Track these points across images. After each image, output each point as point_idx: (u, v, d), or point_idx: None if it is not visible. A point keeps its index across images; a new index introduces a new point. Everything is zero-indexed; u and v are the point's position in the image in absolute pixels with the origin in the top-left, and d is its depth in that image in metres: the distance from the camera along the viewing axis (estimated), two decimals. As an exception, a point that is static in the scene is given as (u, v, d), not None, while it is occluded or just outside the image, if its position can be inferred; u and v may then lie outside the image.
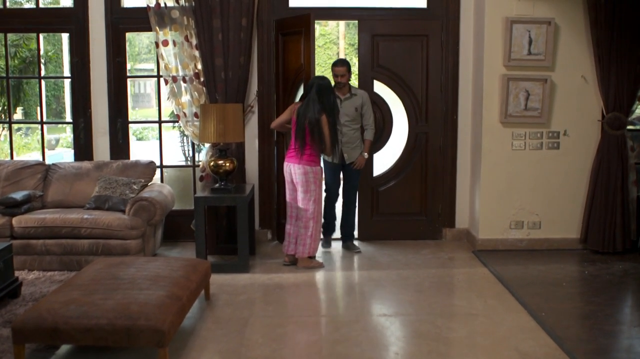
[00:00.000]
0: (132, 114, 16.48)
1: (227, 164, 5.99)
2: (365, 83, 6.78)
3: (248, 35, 6.45)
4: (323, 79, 5.93)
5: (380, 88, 6.83)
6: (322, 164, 6.04)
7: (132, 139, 7.23)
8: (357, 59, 6.82)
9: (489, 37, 6.30)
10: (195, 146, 7.02)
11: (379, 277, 5.73)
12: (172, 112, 7.17)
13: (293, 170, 5.91)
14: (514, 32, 6.24)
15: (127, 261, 4.78)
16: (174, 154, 8.09)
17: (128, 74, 6.94)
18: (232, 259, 6.21)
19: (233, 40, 6.42)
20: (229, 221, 6.56)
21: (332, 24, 19.49)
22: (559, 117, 6.42)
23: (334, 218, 6.68)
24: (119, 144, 6.87)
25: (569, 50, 6.33)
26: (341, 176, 6.52)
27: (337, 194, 6.59)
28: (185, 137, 7.73)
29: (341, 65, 6.22)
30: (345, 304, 5.19)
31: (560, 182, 6.49)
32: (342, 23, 19.67)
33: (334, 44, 19.94)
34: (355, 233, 6.77)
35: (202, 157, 7.25)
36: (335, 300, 5.30)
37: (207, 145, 6.59)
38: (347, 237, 6.63)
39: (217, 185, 6.05)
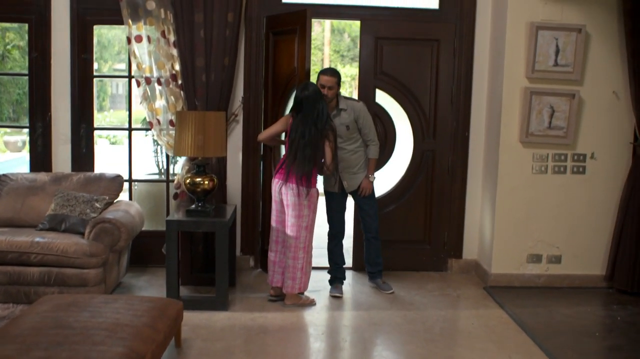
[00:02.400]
0: (107, 116, 15.57)
1: (206, 182, 5.13)
2: (367, 92, 5.97)
3: (234, 32, 5.60)
4: (307, 88, 5.04)
5: (383, 98, 6.02)
6: (317, 187, 5.17)
7: (103, 144, 6.31)
8: (358, 64, 5.99)
9: (511, 44, 5.51)
10: (171, 157, 6.15)
11: (381, 319, 4.90)
12: (145, 118, 6.32)
13: (284, 189, 5.05)
14: (540, 39, 5.46)
15: (81, 301, 3.90)
16: (150, 164, 7.16)
17: (95, 74, 6.04)
18: (208, 291, 5.35)
19: (217, 38, 5.57)
20: (206, 246, 5.70)
21: (317, 28, 18.69)
22: (587, 138, 5.65)
23: (343, 261, 5.58)
24: (82, 154, 5.97)
25: (600, 63, 5.57)
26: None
27: (343, 230, 5.55)
28: (159, 147, 6.82)
29: (330, 75, 5.17)
30: (343, 358, 4.35)
31: (584, 212, 5.72)
32: (327, 28, 18.93)
33: (318, 50, 19.14)
34: (348, 265, 5.93)
35: (177, 170, 6.39)
36: (331, 352, 4.43)
37: (183, 157, 5.73)
38: (372, 275, 5.63)
39: (194, 206, 5.18)
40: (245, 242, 6.09)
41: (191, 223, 5.02)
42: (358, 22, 6.03)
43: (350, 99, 5.40)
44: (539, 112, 5.54)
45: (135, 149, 6.15)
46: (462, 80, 5.99)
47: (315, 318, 4.95)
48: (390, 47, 5.96)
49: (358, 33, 6.07)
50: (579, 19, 5.46)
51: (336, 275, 5.54)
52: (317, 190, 5.12)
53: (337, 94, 5.27)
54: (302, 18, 5.32)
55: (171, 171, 6.27)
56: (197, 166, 5.17)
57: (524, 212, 5.68)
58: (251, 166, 5.99)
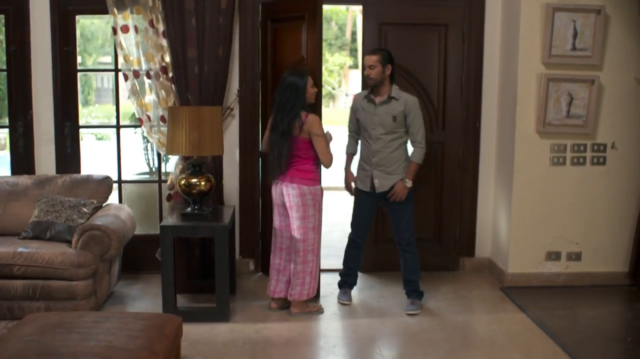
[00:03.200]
0: (92, 111, 15.05)
1: (202, 184, 4.74)
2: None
3: (228, 20, 5.20)
4: (292, 72, 4.63)
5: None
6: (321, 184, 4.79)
7: (90, 140, 5.88)
8: (361, 52, 5.58)
9: (526, 27, 5.13)
10: (162, 156, 5.75)
11: (396, 328, 4.54)
12: (133, 114, 5.92)
13: (285, 191, 4.66)
14: (556, 21, 5.09)
15: (69, 321, 3.49)
16: (139, 162, 6.74)
17: (79, 67, 5.62)
18: (207, 299, 4.97)
19: (210, 26, 5.17)
20: (203, 250, 5.32)
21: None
22: (607, 127, 5.29)
23: (357, 265, 5.12)
24: (67, 154, 5.55)
25: (621, 46, 5.21)
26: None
27: (364, 237, 5.05)
28: (149, 144, 6.42)
29: (371, 52, 4.74)
30: (358, 371, 4.00)
31: (605, 205, 5.38)
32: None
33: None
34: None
35: (170, 169, 6.00)
36: (344, 364, 4.09)
37: (176, 156, 5.33)
38: (408, 293, 4.97)
39: (189, 209, 4.79)
40: (244, 245, 5.71)
41: (187, 228, 4.63)
42: (345, 10, 5.63)
43: (402, 91, 4.78)
44: (557, 100, 5.17)
45: (124, 147, 5.73)
46: (472, 67, 5.61)
47: (325, 328, 4.59)
48: (395, 34, 5.57)
49: (345, 21, 5.68)
50: (598, -1, 5.10)
51: (346, 280, 5.14)
52: (321, 188, 4.74)
53: (390, 79, 4.72)
54: (311, 4, 4.89)
55: (163, 170, 5.87)
56: (192, 166, 4.77)
57: (542, 206, 5.33)
58: (249, 163, 5.60)
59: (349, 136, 5.05)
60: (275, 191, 4.75)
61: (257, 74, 5.51)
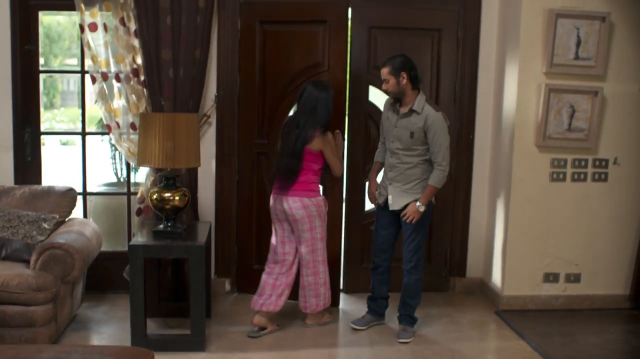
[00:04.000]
0: (57, 115, 14.42)
1: (177, 198, 4.31)
2: (358, 89, 5.20)
3: (207, 20, 4.79)
4: (317, 84, 4.47)
5: (377, 96, 5.23)
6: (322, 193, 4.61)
7: (53, 145, 5.39)
8: (349, 57, 5.19)
9: (527, 34, 4.81)
10: (132, 165, 5.29)
11: (390, 358, 4.15)
12: (100, 120, 5.47)
13: (287, 205, 4.42)
14: (559, 29, 4.77)
15: (24, 357, 3.05)
16: (106, 171, 6.25)
17: (41, 68, 5.14)
18: (179, 324, 4.52)
19: (186, 26, 4.75)
20: (176, 269, 4.88)
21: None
22: (609, 141, 4.99)
23: (380, 291, 4.67)
24: (27, 163, 5.07)
25: (626, 56, 4.91)
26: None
27: (383, 256, 4.59)
28: (117, 152, 5.95)
29: (382, 66, 4.34)
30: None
31: (605, 224, 5.07)
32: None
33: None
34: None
35: (140, 179, 5.55)
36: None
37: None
38: (400, 319, 4.58)
39: (162, 226, 4.35)
40: (220, 263, 5.28)
41: (160, 248, 4.19)
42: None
43: (432, 105, 4.34)
44: (558, 112, 4.85)
45: (89, 154, 5.24)
46: (466, 75, 5.27)
47: (308, 356, 4.17)
48: (386, 38, 5.20)
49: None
50: (603, 6, 4.78)
51: (370, 306, 4.74)
52: (324, 197, 4.56)
53: (414, 86, 4.30)
54: (336, 8, 4.74)
55: (133, 181, 5.42)
56: (166, 179, 4.34)
57: (540, 225, 5.00)
58: (226, 175, 5.18)
59: (380, 142, 4.68)
60: (274, 206, 4.51)
61: (237, 79, 5.09)
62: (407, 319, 4.53)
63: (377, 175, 4.67)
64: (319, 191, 4.51)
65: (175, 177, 4.37)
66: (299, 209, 4.39)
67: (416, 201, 4.30)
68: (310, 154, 4.38)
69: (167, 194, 4.29)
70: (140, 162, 4.30)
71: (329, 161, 4.43)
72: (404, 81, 4.27)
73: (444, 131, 4.26)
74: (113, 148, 5.93)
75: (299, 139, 4.34)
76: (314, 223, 4.46)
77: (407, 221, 4.32)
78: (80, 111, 5.41)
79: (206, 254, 4.44)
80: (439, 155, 4.25)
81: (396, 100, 4.40)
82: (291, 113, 4.72)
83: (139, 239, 4.27)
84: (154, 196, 4.31)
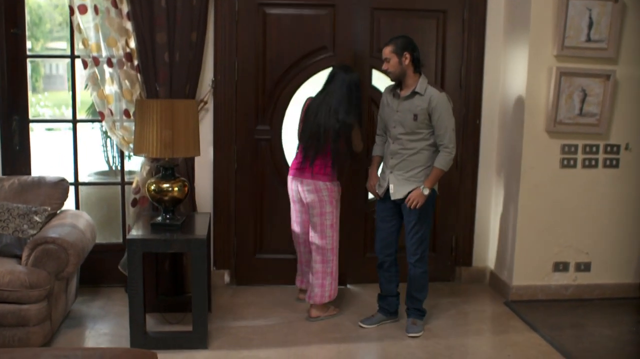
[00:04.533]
0: (41, 100, 14.04)
1: (176, 189, 4.10)
2: (361, 73, 4.98)
3: (203, 1, 4.56)
4: (348, 69, 4.40)
5: (380, 80, 5.02)
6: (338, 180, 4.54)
7: (39, 131, 5.14)
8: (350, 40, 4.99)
9: (537, 15, 4.63)
10: (125, 153, 5.07)
11: (397, 354, 3.99)
12: (91, 105, 5.23)
13: (300, 187, 4.45)
14: (571, 10, 4.59)
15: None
16: (97, 159, 6.00)
17: (29, 53, 4.89)
18: (179, 319, 4.33)
19: (182, 7, 4.53)
20: (174, 263, 4.68)
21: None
22: (621, 127, 4.84)
23: (388, 289, 4.46)
24: (15, 153, 4.83)
25: (639, 38, 4.74)
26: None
27: (388, 253, 4.40)
28: (108, 140, 5.72)
29: (385, 45, 4.16)
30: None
31: (616, 211, 4.93)
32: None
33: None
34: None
35: (132, 167, 5.33)
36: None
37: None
38: (408, 312, 4.42)
39: (160, 218, 4.15)
40: (219, 255, 5.09)
41: (159, 242, 3.98)
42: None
43: (435, 86, 4.17)
44: (569, 96, 4.69)
45: (79, 140, 4.99)
46: (472, 58, 5.09)
47: (315, 353, 4.01)
48: (389, 21, 5.00)
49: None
50: (616, -14, 4.62)
51: (380, 304, 4.54)
52: (339, 184, 4.50)
53: (415, 69, 4.12)
54: None
55: (127, 169, 5.19)
56: (164, 169, 4.13)
57: (550, 213, 4.85)
58: (224, 163, 4.98)
59: (377, 135, 4.47)
60: (290, 187, 4.56)
61: (235, 62, 4.88)
62: (416, 312, 4.37)
63: (377, 169, 4.47)
64: (334, 176, 4.42)
65: (174, 167, 4.16)
66: (311, 193, 4.36)
67: (419, 186, 4.12)
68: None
69: (166, 185, 4.09)
70: (137, 152, 4.08)
71: (355, 138, 4.40)
72: (407, 62, 4.09)
73: (448, 112, 4.09)
74: (104, 135, 5.69)
75: (338, 123, 4.26)
76: (324, 209, 4.39)
77: (412, 206, 4.11)
78: (68, 96, 5.16)
79: (207, 247, 4.26)
80: (445, 137, 4.07)
81: (396, 85, 4.22)
82: (312, 95, 4.53)
83: (137, 232, 4.06)
84: (152, 187, 4.10)
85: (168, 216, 4.14)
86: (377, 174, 4.45)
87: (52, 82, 14.93)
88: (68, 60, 4.93)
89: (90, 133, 6.08)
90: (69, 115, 5.16)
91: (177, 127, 3.95)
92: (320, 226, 4.42)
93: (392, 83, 4.33)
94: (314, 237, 4.46)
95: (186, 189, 4.15)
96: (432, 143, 4.13)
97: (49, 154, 6.44)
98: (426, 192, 4.10)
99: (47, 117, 10.21)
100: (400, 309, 4.51)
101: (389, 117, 4.24)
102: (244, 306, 4.71)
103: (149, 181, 4.16)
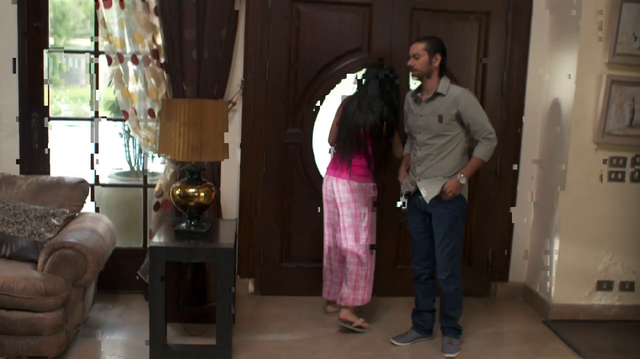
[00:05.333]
0: (59, 96, 13.82)
1: (202, 195, 3.87)
2: (399, 77, 4.74)
3: (234, -4, 4.35)
4: (381, 65, 4.28)
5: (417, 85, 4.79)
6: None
7: (59, 127, 4.91)
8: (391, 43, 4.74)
9: (588, 20, 4.36)
10: (149, 154, 4.85)
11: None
12: (113, 103, 5.02)
13: (336, 186, 4.30)
14: (624, 14, 4.32)
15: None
16: (117, 158, 5.73)
17: (50, 47, 4.69)
18: (200, 330, 4.10)
19: (212, 3, 4.30)
20: (196, 270, 4.46)
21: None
22: (673, 138, 4.55)
23: (424, 303, 4.21)
24: (34, 151, 4.62)
25: (694, 45, 4.47)
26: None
27: (423, 263, 4.14)
28: (131, 139, 5.51)
29: (417, 40, 3.95)
30: None
31: (664, 228, 4.65)
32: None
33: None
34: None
35: (154, 168, 5.12)
36: None
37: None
38: (443, 330, 4.16)
39: (184, 224, 3.92)
40: (244, 263, 4.85)
41: (183, 251, 3.75)
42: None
43: (456, 85, 3.96)
44: (619, 106, 4.42)
45: (101, 138, 4.74)
46: (515, 64, 4.82)
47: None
48: (429, 21, 4.74)
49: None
50: (672, -11, 4.34)
51: (414, 320, 4.28)
52: (375, 186, 4.34)
53: (440, 72, 3.91)
54: None
55: (149, 170, 4.96)
56: (190, 172, 3.90)
57: (594, 228, 4.58)
58: (252, 167, 4.75)
59: (409, 136, 4.23)
60: (325, 186, 4.41)
61: (266, 62, 4.64)
62: (451, 330, 4.11)
63: (407, 165, 4.23)
64: (369, 176, 4.28)
65: (200, 172, 3.93)
66: (345, 193, 4.24)
67: (455, 175, 3.89)
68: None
69: (192, 190, 3.86)
70: (162, 152, 3.85)
71: (395, 140, 4.29)
72: (437, 63, 3.88)
73: (477, 106, 3.90)
74: (126, 135, 5.48)
75: (374, 118, 4.16)
76: (359, 209, 4.25)
77: (448, 197, 3.86)
78: (83, 90, 4.94)
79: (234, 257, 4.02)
80: (484, 130, 3.85)
81: (417, 89, 4.01)
82: (350, 93, 4.39)
83: (160, 239, 3.83)
84: (177, 192, 3.87)
85: (193, 223, 3.91)
86: (405, 172, 4.21)
87: (73, 78, 14.76)
88: (89, 55, 4.68)
89: (112, 130, 5.84)
90: (88, 112, 4.93)
91: (206, 129, 3.72)
92: (355, 227, 4.26)
93: (413, 89, 4.14)
94: (348, 239, 4.29)
95: (213, 194, 3.92)
96: (461, 145, 3.91)
97: (68, 152, 6.22)
98: (463, 181, 3.87)
99: (67, 114, 10.06)
100: (435, 327, 4.25)
101: (413, 123, 4.01)
102: (269, 318, 4.47)
103: (173, 185, 3.93)
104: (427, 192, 3.93)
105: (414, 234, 4.14)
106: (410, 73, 3.98)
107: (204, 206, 3.90)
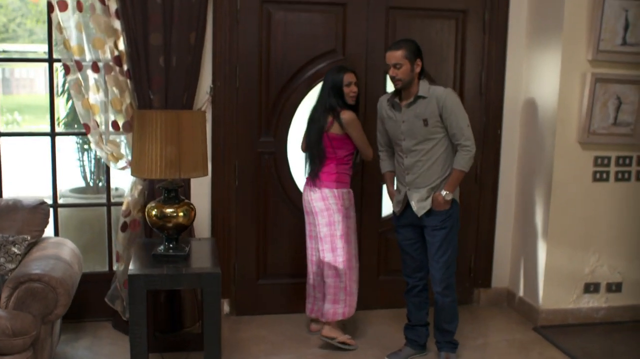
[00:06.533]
0: (6, 102, 12.96)
1: (180, 215, 3.54)
2: (376, 78, 4.54)
3: (203, -3, 4.03)
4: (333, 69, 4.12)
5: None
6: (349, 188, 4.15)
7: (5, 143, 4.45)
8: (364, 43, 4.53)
9: (570, 17, 4.25)
10: (106, 168, 4.45)
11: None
12: (67, 116, 4.67)
13: (310, 196, 4.10)
14: (607, 10, 4.23)
15: None
16: (71, 173, 5.27)
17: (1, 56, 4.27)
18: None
19: (180, 4, 3.98)
20: (169, 297, 4.13)
21: None
22: (655, 136, 4.50)
23: (417, 317, 4.00)
24: (-17, 171, 4.20)
25: (675, 41, 4.42)
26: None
27: (414, 275, 3.94)
28: (84, 153, 5.10)
29: (393, 48, 3.66)
30: None
31: (649, 227, 4.60)
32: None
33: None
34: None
35: (117, 185, 4.75)
36: None
37: (125, 170, 4.11)
38: (439, 345, 4.00)
39: (162, 248, 3.59)
40: (218, 283, 4.54)
41: (166, 278, 3.40)
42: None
43: (436, 85, 3.80)
44: (604, 104, 4.33)
45: (49, 153, 4.34)
46: (493, 63, 4.68)
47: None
48: (405, 20, 4.54)
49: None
50: (654, -15, 4.28)
51: (406, 335, 4.06)
52: (349, 191, 4.11)
53: (420, 76, 3.67)
54: None
55: (112, 187, 4.57)
56: (167, 191, 3.57)
57: (581, 230, 4.49)
58: (224, 179, 4.44)
59: (380, 152, 3.99)
60: (303, 197, 4.20)
61: (236, 67, 4.35)
62: (448, 345, 3.93)
63: (393, 184, 4.00)
64: (344, 182, 4.07)
65: (178, 189, 3.61)
66: (318, 201, 4.04)
67: (439, 192, 3.68)
68: (335, 139, 3.98)
69: (169, 210, 3.53)
70: (136, 173, 3.52)
71: (356, 143, 4.01)
72: (418, 69, 3.65)
73: (459, 107, 3.66)
74: (80, 148, 5.07)
75: (317, 126, 4.01)
76: (332, 218, 4.02)
77: (437, 207, 3.68)
78: (32, 98, 4.53)
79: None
80: (462, 135, 3.62)
81: (394, 95, 3.77)
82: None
83: (137, 265, 3.49)
84: (153, 212, 3.53)
85: (171, 245, 3.59)
86: (393, 191, 3.99)
87: (5, 84, 13.92)
88: (46, 64, 4.27)
89: (63, 145, 5.39)
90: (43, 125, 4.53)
91: (185, 143, 3.40)
92: (330, 236, 4.03)
93: (385, 94, 3.93)
94: (325, 250, 4.07)
95: (192, 214, 3.61)
96: (450, 147, 3.71)
97: (17, 168, 5.70)
98: (449, 197, 3.66)
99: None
100: (429, 342, 4.06)
101: (395, 130, 3.76)
102: (251, 341, 4.19)
103: (149, 205, 3.59)
104: (418, 208, 3.72)
105: (406, 247, 3.92)
106: (393, 84, 3.69)
107: (183, 226, 3.58)
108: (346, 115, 3.93)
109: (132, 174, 3.60)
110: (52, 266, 3.45)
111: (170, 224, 3.54)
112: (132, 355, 3.35)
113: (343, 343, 4.07)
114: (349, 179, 4.10)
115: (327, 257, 4.06)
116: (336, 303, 4.07)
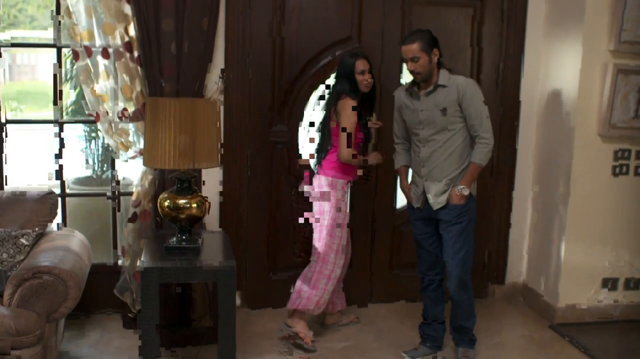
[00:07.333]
0: (7, 89, 12.75)
1: (194, 206, 3.44)
2: (391, 68, 4.42)
3: (216, -18, 3.91)
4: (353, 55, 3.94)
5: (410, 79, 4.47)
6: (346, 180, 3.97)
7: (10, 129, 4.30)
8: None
9: (592, 6, 4.14)
10: (113, 158, 4.33)
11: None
12: (73, 103, 4.55)
13: (313, 184, 4.01)
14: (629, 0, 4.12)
15: None
16: (77, 162, 5.12)
17: (2, 42, 4.14)
18: (193, 355, 3.70)
19: (193, -11, 3.86)
20: (182, 290, 4.03)
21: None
22: (677, 129, 4.40)
23: (433, 313, 3.89)
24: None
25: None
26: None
27: (429, 271, 3.83)
28: (92, 141, 4.98)
29: (409, 42, 3.51)
30: None
31: (668, 222, 4.50)
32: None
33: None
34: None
35: (125, 176, 4.64)
36: None
37: (135, 159, 4.00)
38: (456, 341, 3.90)
39: (175, 240, 3.49)
40: (228, 276, 4.44)
41: (180, 272, 3.31)
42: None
43: (455, 75, 3.65)
44: (625, 96, 4.22)
45: (48, 142, 4.22)
46: (511, 53, 4.57)
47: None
48: (421, 9, 4.42)
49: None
50: (678, -27, 4.16)
51: (422, 332, 3.95)
52: (345, 182, 3.93)
53: (438, 66, 3.56)
54: None
55: (118, 177, 4.45)
56: (179, 181, 3.46)
57: (600, 225, 4.39)
58: (235, 169, 4.33)
59: (396, 144, 3.88)
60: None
61: (248, 55, 4.23)
62: (467, 342, 3.84)
63: (407, 178, 3.89)
64: (344, 174, 3.89)
65: (191, 180, 3.50)
66: (316, 188, 3.93)
67: (455, 186, 3.58)
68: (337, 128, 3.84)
69: (183, 201, 3.43)
70: (149, 162, 3.41)
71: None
72: (436, 59, 3.53)
73: (479, 98, 3.55)
74: (87, 137, 4.94)
75: (325, 114, 3.93)
76: (323, 206, 3.91)
77: (454, 201, 3.58)
78: (37, 84, 4.40)
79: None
80: (480, 127, 3.52)
81: (412, 84, 3.66)
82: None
83: (150, 258, 3.38)
84: (166, 203, 3.43)
85: (184, 238, 3.48)
86: (408, 185, 3.88)
87: (23, 71, 13.65)
88: (54, 50, 4.14)
89: (68, 133, 5.26)
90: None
91: (199, 132, 3.30)
92: (319, 226, 3.93)
93: (405, 84, 3.82)
94: (314, 238, 3.99)
95: (206, 205, 3.50)
96: (467, 139, 3.59)
97: (22, 157, 5.57)
98: (465, 192, 3.56)
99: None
100: (445, 337, 3.97)
101: (412, 119, 3.66)
102: (265, 335, 4.09)
103: (161, 196, 3.49)
104: (434, 201, 3.62)
105: (422, 240, 3.82)
106: (414, 77, 3.58)
107: (196, 218, 3.49)
108: (342, 101, 3.78)
109: (144, 164, 3.51)
110: (62, 258, 3.35)
111: (183, 216, 3.44)
112: (143, 351, 3.25)
113: (299, 336, 3.90)
114: (352, 171, 3.93)
115: (315, 245, 3.97)
116: (299, 293, 3.93)
